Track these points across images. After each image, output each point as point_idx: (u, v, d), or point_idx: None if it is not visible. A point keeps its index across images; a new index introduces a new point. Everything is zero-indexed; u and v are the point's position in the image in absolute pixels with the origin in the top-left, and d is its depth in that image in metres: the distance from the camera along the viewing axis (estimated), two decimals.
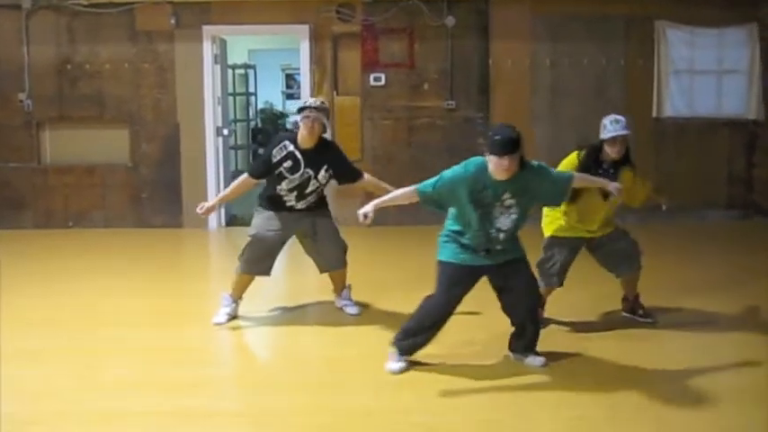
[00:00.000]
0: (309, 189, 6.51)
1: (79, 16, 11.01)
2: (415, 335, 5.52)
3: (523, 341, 5.65)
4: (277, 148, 6.45)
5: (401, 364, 5.51)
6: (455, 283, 5.45)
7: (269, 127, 17.02)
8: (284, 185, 6.47)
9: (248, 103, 16.86)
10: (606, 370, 5.60)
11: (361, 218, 5.46)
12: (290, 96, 18.12)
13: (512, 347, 5.73)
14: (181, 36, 11.06)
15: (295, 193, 6.51)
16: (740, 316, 6.86)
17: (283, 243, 6.70)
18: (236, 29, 11.47)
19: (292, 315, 7.09)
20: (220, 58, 11.54)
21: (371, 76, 11.17)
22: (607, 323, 6.64)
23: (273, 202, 6.59)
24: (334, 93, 11.17)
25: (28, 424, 4.75)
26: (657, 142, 11.16)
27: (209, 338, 6.48)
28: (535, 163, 5.37)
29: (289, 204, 6.57)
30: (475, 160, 5.31)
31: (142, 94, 11.15)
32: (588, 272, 6.72)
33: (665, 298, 7.12)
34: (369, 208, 5.49)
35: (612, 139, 6.03)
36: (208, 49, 11.12)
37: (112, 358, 5.96)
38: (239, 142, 15.76)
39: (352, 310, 6.93)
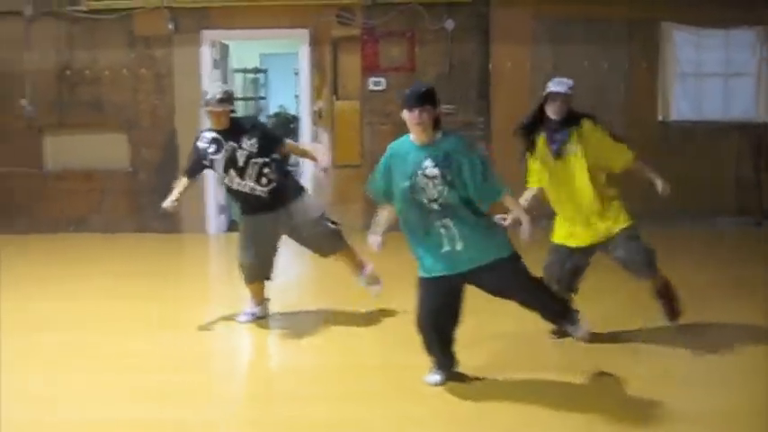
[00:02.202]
0: (241, 163, 6.46)
1: (79, 23, 11.03)
2: (429, 353, 5.46)
3: (551, 317, 5.72)
4: (199, 141, 6.59)
5: (436, 377, 5.42)
6: (428, 297, 5.27)
7: (281, 131, 16.96)
8: (219, 170, 6.52)
9: (259, 107, 16.82)
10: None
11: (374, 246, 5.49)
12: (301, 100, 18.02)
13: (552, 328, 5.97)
14: (179, 41, 11.05)
15: (235, 175, 6.49)
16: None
17: (274, 247, 6.79)
18: (235, 33, 11.42)
19: (287, 322, 7.00)
20: (221, 63, 11.49)
21: (371, 80, 11.09)
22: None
23: (239, 202, 6.74)
24: (334, 97, 11.10)
25: None
26: (662, 147, 10.93)
27: (199, 344, 6.45)
28: (458, 136, 5.25)
29: (246, 193, 6.55)
30: (396, 141, 5.32)
31: (141, 99, 11.14)
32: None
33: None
34: (377, 239, 5.51)
35: (550, 97, 5.88)
36: (207, 54, 11.08)
37: (101, 365, 5.96)
38: None
39: (372, 289, 7.08)
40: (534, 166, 6.10)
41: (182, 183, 6.71)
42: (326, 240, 6.81)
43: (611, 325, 6.40)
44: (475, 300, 5.38)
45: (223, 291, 6.84)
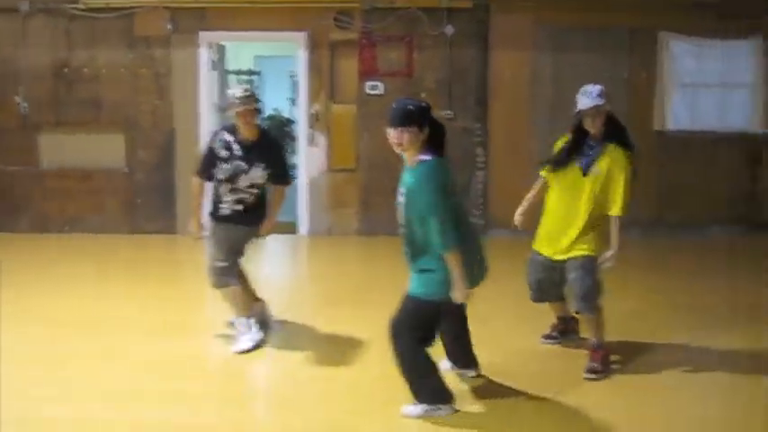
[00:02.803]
0: (241, 185, 6.20)
1: (77, 20, 10.96)
2: None
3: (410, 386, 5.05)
4: (216, 139, 6.30)
5: (412, 408, 5.04)
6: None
7: (275, 133, 16.92)
8: (220, 174, 6.21)
9: None
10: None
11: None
12: (295, 103, 18.01)
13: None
14: (178, 42, 10.99)
15: (229, 187, 6.22)
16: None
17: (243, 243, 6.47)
18: (232, 35, 11.38)
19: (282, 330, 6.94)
20: (218, 64, 11.45)
21: (368, 85, 11.05)
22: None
23: (215, 207, 6.42)
24: (331, 101, 11.07)
25: None
26: (659, 156, 10.97)
27: (192, 348, 6.40)
28: (430, 168, 4.73)
29: (226, 203, 6.29)
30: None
31: (139, 99, 11.09)
32: None
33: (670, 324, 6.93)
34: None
35: (584, 113, 5.65)
36: (204, 55, 11.04)
37: (95, 366, 5.94)
38: None
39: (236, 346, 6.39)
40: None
41: (196, 185, 6.49)
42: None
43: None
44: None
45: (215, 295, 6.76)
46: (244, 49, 15.80)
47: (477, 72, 11.04)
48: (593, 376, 5.70)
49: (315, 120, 11.15)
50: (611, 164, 5.65)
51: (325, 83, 11.10)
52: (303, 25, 11.02)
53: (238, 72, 16.06)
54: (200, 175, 6.41)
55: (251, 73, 16.74)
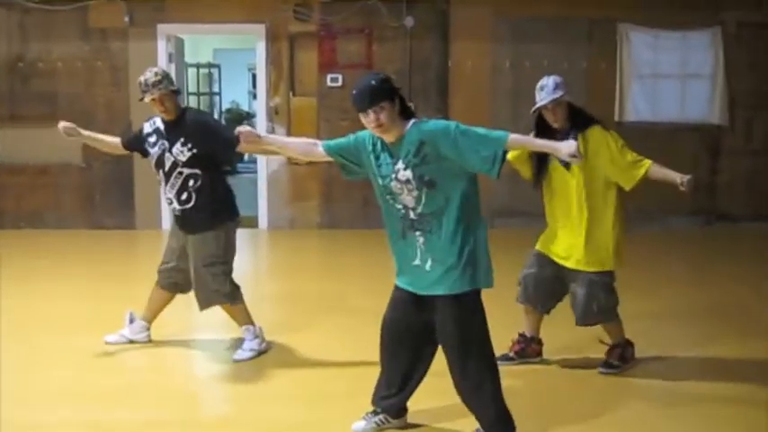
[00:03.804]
0: (166, 168, 5.73)
1: (31, 13, 10.81)
2: (379, 376, 4.65)
3: (484, 419, 4.38)
4: (147, 123, 5.94)
5: (363, 425, 4.62)
6: (392, 307, 4.52)
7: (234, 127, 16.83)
8: (151, 161, 5.84)
9: (212, 103, 16.68)
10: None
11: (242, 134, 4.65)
12: (256, 96, 17.94)
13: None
14: (135, 34, 10.88)
15: (162, 178, 5.80)
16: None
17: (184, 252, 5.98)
18: (191, 27, 11.30)
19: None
20: (176, 57, 11.34)
21: (329, 77, 10.99)
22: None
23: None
24: (291, 93, 11.00)
25: None
26: None
27: (150, 345, 6.26)
28: (432, 121, 4.27)
29: (168, 200, 5.87)
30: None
31: (95, 92, 10.96)
32: None
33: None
34: (253, 131, 4.73)
35: (543, 109, 5.32)
36: (162, 48, 10.92)
37: (45, 366, 5.83)
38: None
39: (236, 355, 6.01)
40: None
41: (111, 139, 6.15)
42: (199, 292, 5.92)
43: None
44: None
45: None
46: (202, 42, 15.69)
47: (437, 64, 11.03)
48: (608, 370, 5.55)
49: (275, 113, 11.07)
50: (593, 145, 5.30)
51: (284, 75, 11.03)
52: (262, 17, 10.95)
53: (198, 65, 15.95)
54: (123, 142, 6.10)
55: (210, 66, 16.62)
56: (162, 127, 5.79)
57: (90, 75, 10.94)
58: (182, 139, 5.68)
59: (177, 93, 5.83)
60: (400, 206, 4.28)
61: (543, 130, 5.38)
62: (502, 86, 11.02)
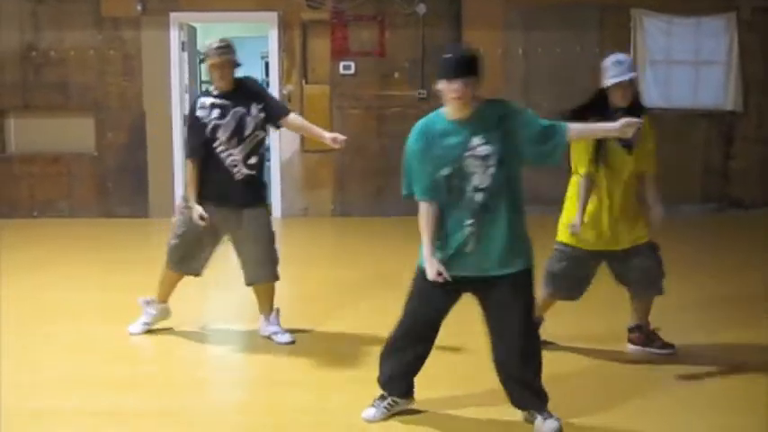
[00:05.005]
0: (248, 132, 5.72)
1: (43, 2, 10.85)
2: (384, 360, 4.65)
3: (522, 389, 4.46)
4: (197, 111, 5.79)
5: (373, 411, 4.61)
6: (425, 298, 4.45)
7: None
8: (221, 136, 5.70)
9: None
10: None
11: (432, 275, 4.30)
12: (269, 84, 17.89)
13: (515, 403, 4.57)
14: (147, 23, 10.89)
15: (234, 146, 5.71)
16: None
17: (216, 239, 5.97)
18: (203, 16, 11.30)
19: (236, 326, 6.77)
20: (188, 46, 11.34)
21: (341, 65, 11.00)
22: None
23: (210, 182, 5.81)
24: (303, 81, 11.00)
25: None
26: None
27: (161, 333, 6.24)
28: (501, 99, 4.33)
29: (222, 172, 5.74)
30: (424, 118, 4.39)
31: (108, 81, 10.98)
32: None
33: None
34: (434, 262, 4.31)
35: (617, 85, 5.15)
36: (175, 37, 10.93)
37: (50, 354, 5.82)
38: None
39: (282, 338, 5.98)
40: (587, 157, 5.31)
41: (190, 169, 5.87)
42: (263, 265, 5.94)
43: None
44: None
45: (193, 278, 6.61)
46: (214, 31, 15.62)
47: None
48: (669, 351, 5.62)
49: (287, 100, 11.06)
50: (645, 128, 5.16)
51: (297, 63, 11.03)
52: (274, 5, 10.96)
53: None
54: (194, 155, 5.85)
55: None
56: (221, 100, 5.74)
57: (102, 64, 10.95)
58: (254, 103, 5.75)
59: (237, 65, 5.83)
60: (469, 187, 4.20)
61: (598, 108, 5.19)
62: (514, 74, 11.00)
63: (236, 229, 5.88)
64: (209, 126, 5.73)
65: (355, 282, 7.80)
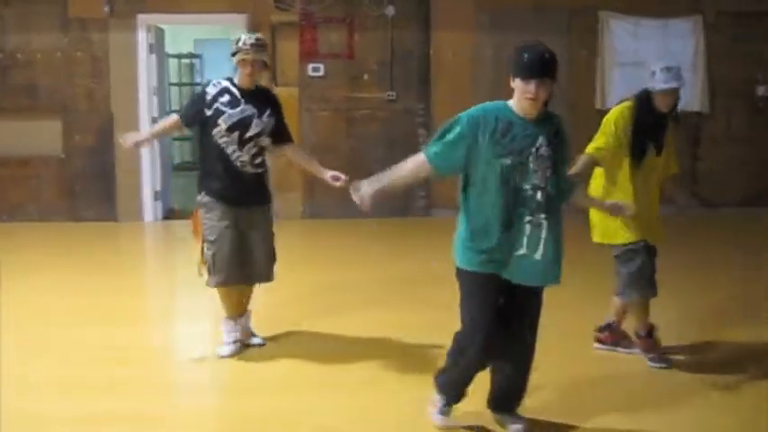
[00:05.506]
0: (251, 133, 5.62)
1: (9, 4, 10.72)
2: (448, 370, 4.48)
3: (508, 397, 4.52)
4: (210, 85, 5.71)
5: (441, 418, 4.53)
6: (486, 295, 4.21)
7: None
8: (222, 123, 5.56)
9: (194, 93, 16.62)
10: None
11: (358, 201, 4.34)
12: None
13: (493, 405, 4.58)
14: (115, 25, 10.81)
15: (236, 140, 5.61)
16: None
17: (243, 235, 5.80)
18: (171, 18, 11.25)
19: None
20: (156, 48, 11.28)
21: (310, 67, 10.99)
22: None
23: (212, 173, 5.72)
24: (273, 84, 10.97)
25: None
26: None
27: (136, 337, 6.26)
28: (560, 116, 4.33)
29: (230, 168, 5.66)
30: (491, 103, 4.25)
31: (75, 83, 10.89)
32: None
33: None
34: (367, 191, 4.33)
35: (664, 92, 5.26)
36: (143, 39, 10.88)
37: (36, 358, 5.79)
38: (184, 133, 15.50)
39: (253, 340, 6.01)
40: (610, 142, 5.39)
41: (170, 120, 5.96)
42: (264, 265, 5.93)
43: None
44: None
45: (166, 281, 6.59)
46: (183, 33, 15.59)
47: (418, 53, 11.04)
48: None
49: None
50: (670, 131, 5.48)
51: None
52: (243, 7, 10.91)
53: (179, 56, 15.88)
54: (181, 116, 5.81)
55: (191, 56, 16.54)
56: (237, 93, 5.64)
57: (70, 66, 10.86)
58: (268, 110, 5.68)
59: (267, 67, 5.84)
60: (528, 186, 4.12)
61: (650, 114, 5.35)
62: (482, 76, 11.03)
63: (248, 229, 5.80)
64: (214, 105, 5.61)
65: (327, 285, 7.79)
